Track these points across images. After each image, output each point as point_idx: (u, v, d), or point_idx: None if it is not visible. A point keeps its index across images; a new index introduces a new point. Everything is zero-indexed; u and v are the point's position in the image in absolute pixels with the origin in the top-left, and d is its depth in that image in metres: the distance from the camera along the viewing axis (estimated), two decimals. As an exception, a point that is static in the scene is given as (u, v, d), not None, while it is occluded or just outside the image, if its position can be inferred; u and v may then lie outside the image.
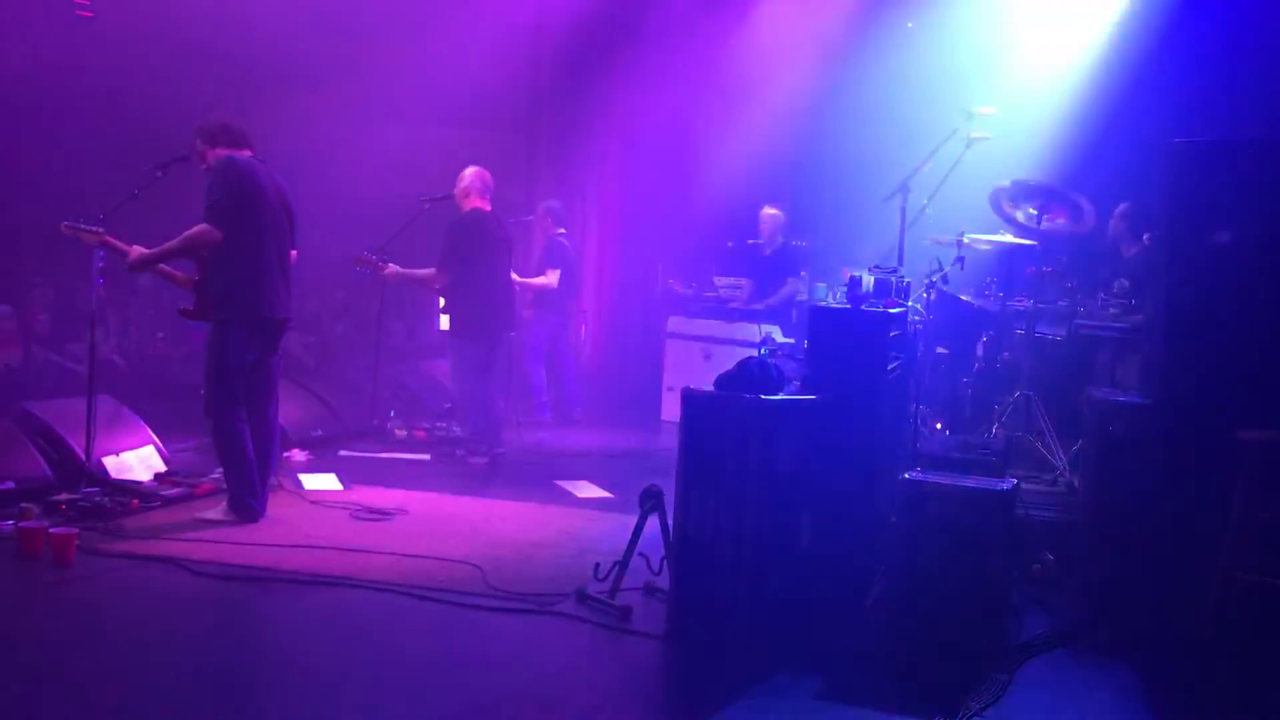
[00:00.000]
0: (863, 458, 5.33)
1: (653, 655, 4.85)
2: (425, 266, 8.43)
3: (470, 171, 8.37)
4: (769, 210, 10.40)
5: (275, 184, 6.39)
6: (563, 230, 10.18)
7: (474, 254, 8.21)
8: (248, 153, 6.33)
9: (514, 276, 9.49)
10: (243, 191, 6.17)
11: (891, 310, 5.61)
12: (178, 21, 10.03)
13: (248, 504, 6.27)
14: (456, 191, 8.37)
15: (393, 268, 8.40)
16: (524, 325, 9.96)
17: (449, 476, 7.85)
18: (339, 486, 7.26)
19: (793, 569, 5.01)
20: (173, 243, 6.20)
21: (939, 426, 7.40)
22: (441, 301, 8.59)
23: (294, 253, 6.57)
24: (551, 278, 9.88)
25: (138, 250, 6.27)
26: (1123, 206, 7.93)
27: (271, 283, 6.29)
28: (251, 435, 6.35)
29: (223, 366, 6.22)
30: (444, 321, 8.65)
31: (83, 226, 6.30)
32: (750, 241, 10.52)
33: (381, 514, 6.59)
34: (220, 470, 6.57)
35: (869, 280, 5.81)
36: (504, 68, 11.12)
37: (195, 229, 6.12)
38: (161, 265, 6.42)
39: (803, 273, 10.31)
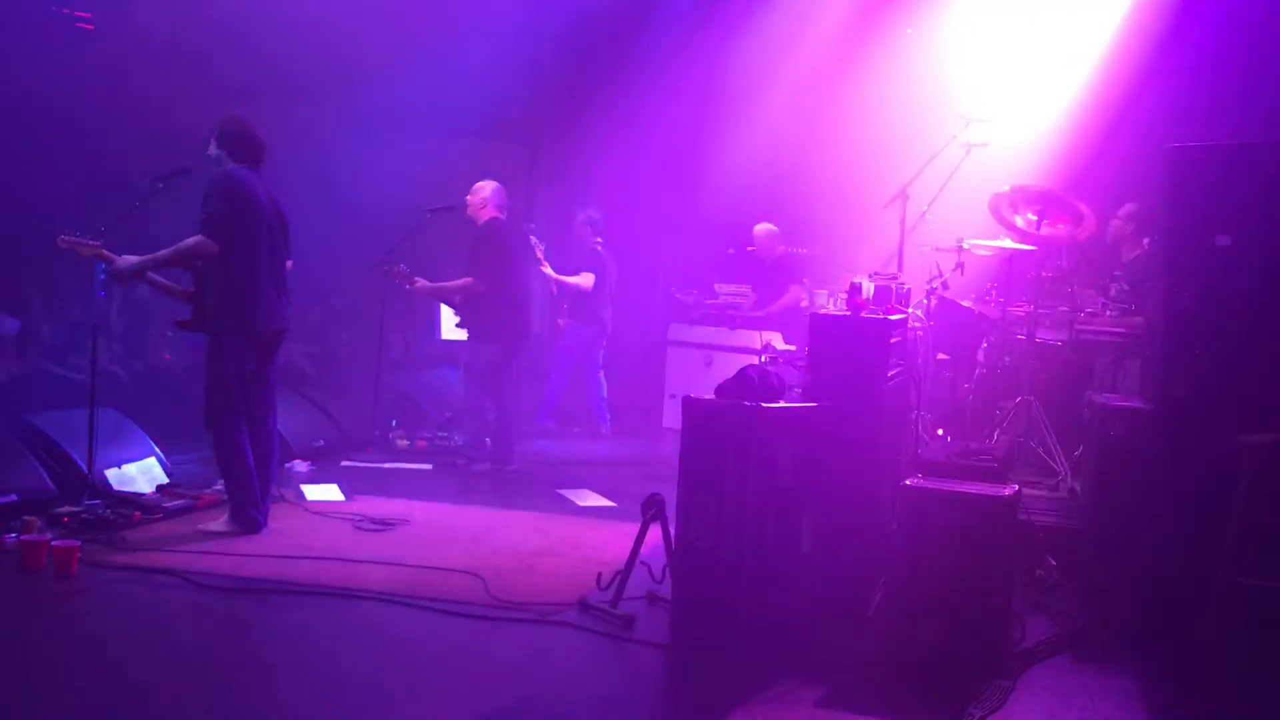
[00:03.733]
0: (864, 465, 5.33)
1: (656, 664, 4.85)
2: (431, 276, 8.48)
3: (490, 185, 8.44)
4: (762, 226, 10.42)
5: (270, 195, 6.40)
6: (600, 240, 10.18)
7: (500, 260, 8.31)
8: (239, 167, 6.32)
9: (550, 273, 9.58)
10: (239, 206, 6.19)
11: (892, 317, 5.62)
12: (178, 33, 10.05)
13: (250, 515, 6.28)
14: (474, 201, 8.43)
15: (422, 282, 8.50)
16: (557, 333, 10.03)
17: (451, 486, 7.86)
18: (341, 497, 7.27)
19: (795, 576, 5.01)
20: (165, 252, 6.20)
21: (940, 433, 7.40)
22: (444, 308, 8.63)
23: (289, 263, 6.59)
24: (586, 279, 9.89)
25: (126, 258, 6.28)
26: (1129, 207, 7.92)
27: (266, 295, 6.30)
28: (251, 446, 6.36)
29: (221, 378, 6.23)
30: (446, 328, 8.68)
31: (80, 240, 6.30)
32: (751, 249, 10.53)
33: (383, 524, 6.59)
34: (222, 482, 6.58)
35: (869, 287, 5.82)
36: (506, 78, 11.14)
37: (190, 240, 6.13)
38: (153, 275, 6.41)
39: (804, 280, 10.32)
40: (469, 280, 8.35)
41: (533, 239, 9.51)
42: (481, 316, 8.36)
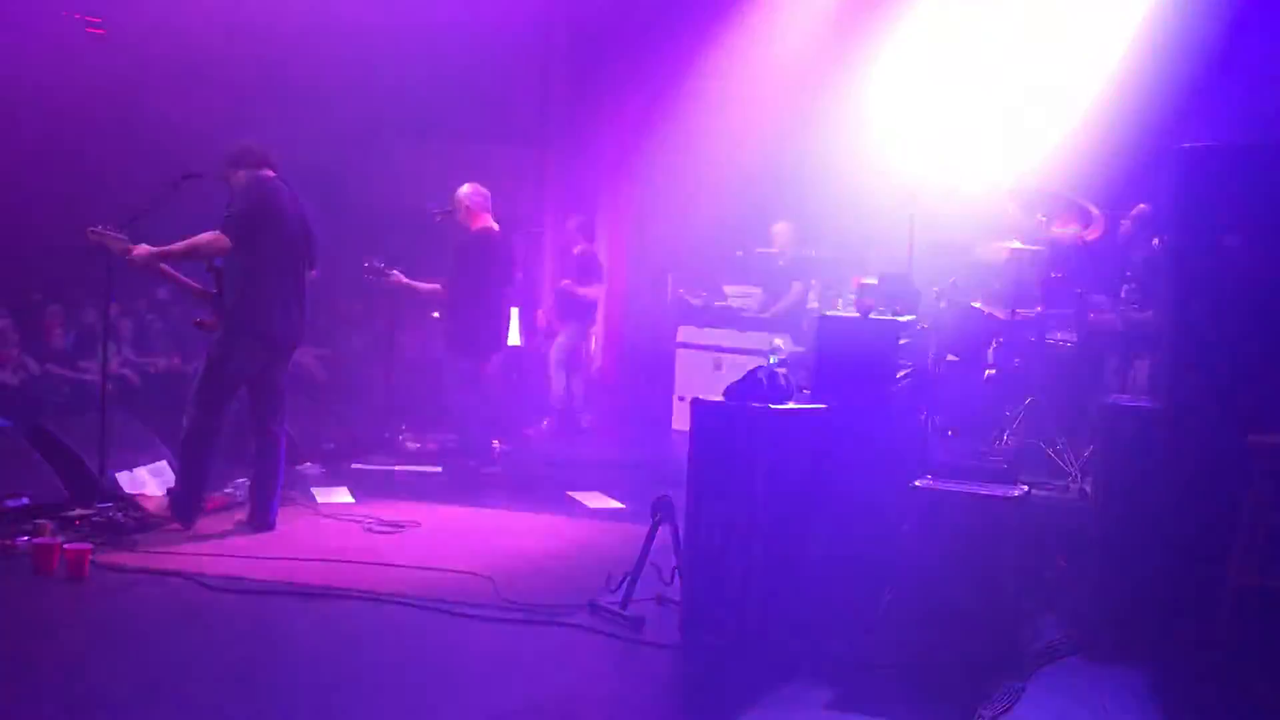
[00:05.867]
0: (873, 466, 5.33)
1: (665, 666, 4.85)
2: (434, 277, 8.48)
3: (467, 190, 8.29)
4: (780, 225, 10.44)
5: (297, 205, 6.45)
6: (585, 244, 10.32)
7: (480, 274, 8.26)
8: (270, 173, 6.38)
9: (569, 285, 9.90)
10: (263, 211, 6.24)
11: (901, 318, 5.62)
12: (188, 37, 10.09)
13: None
14: (459, 212, 8.32)
15: (398, 276, 8.48)
16: (554, 336, 10.10)
17: (460, 488, 7.87)
18: (351, 499, 7.29)
19: (804, 578, 5.01)
20: (178, 245, 6.24)
21: (950, 434, 7.39)
22: (435, 315, 8.67)
23: (314, 272, 6.61)
24: (598, 291, 10.09)
25: (141, 247, 6.30)
26: (1140, 208, 7.87)
27: (282, 304, 6.34)
28: (258, 450, 6.41)
29: (216, 374, 6.29)
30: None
31: (109, 233, 6.30)
32: (760, 250, 10.54)
33: (393, 526, 6.61)
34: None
35: (878, 289, 5.82)
36: (513, 81, 11.17)
37: (205, 235, 6.18)
38: (171, 270, 6.42)
39: (813, 281, 10.31)
40: (436, 287, 8.35)
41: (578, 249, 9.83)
42: (458, 328, 8.35)
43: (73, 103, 10.09)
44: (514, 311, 9.14)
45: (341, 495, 7.36)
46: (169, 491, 6.43)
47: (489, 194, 8.42)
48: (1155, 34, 8.94)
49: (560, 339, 10.20)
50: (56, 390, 9.38)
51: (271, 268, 6.28)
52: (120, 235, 6.31)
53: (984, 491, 4.93)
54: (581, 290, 10.13)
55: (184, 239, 6.23)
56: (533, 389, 10.32)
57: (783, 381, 5.20)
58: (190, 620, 5.09)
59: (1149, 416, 5.67)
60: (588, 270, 10.20)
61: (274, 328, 6.33)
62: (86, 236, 6.29)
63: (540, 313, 10.44)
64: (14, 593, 5.31)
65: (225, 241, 6.15)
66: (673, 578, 5.31)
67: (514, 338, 9.20)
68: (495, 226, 8.41)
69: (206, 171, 6.53)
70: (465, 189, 8.35)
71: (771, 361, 5.36)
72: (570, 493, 7.79)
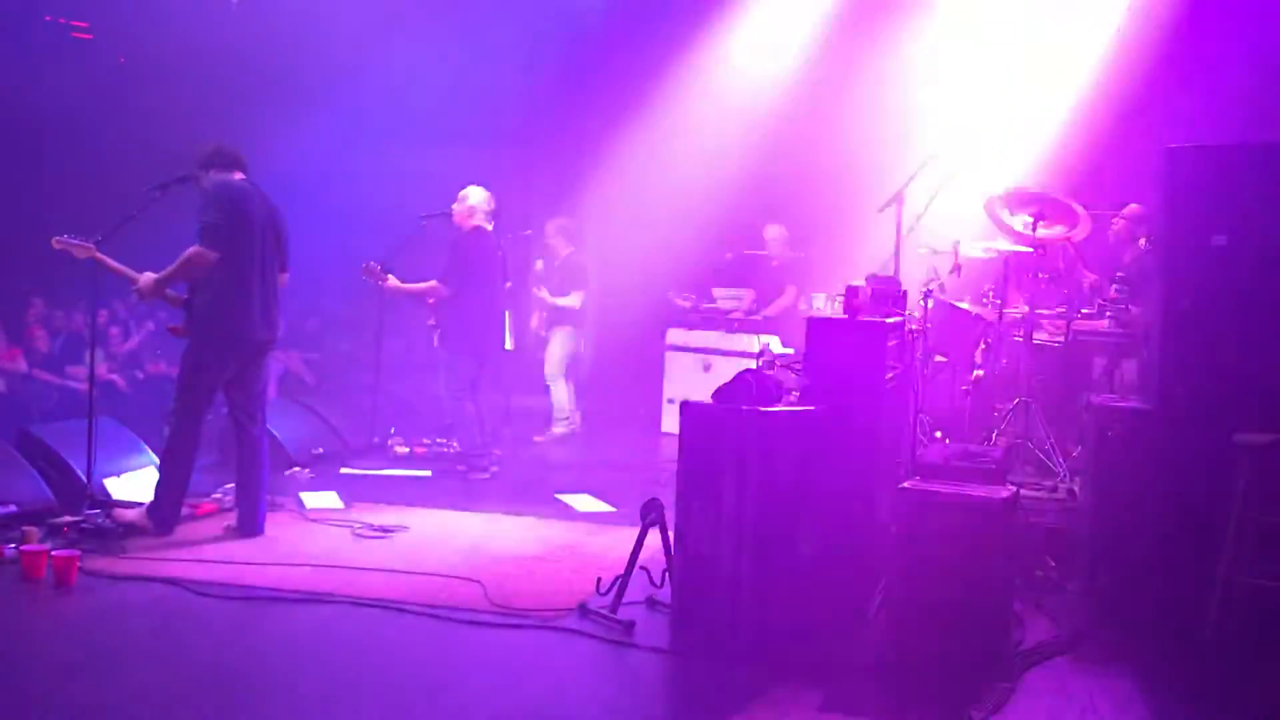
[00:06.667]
0: (862, 468, 5.33)
1: (656, 669, 4.85)
2: (423, 282, 8.49)
3: (472, 194, 8.42)
4: (773, 229, 10.45)
5: (266, 207, 6.45)
6: (573, 248, 10.32)
7: (475, 272, 8.31)
8: (239, 175, 6.39)
9: (546, 298, 9.81)
10: (232, 213, 6.24)
11: (889, 320, 5.63)
12: (175, 41, 10.08)
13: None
14: (462, 209, 8.40)
15: (392, 280, 8.52)
16: (547, 344, 10.09)
17: (450, 493, 7.86)
18: (340, 504, 7.26)
19: (793, 580, 5.01)
20: (172, 267, 6.27)
21: (938, 435, 7.41)
22: (431, 320, 8.66)
23: (284, 275, 6.61)
24: (576, 300, 10.04)
25: (147, 276, 6.33)
26: (1132, 208, 7.86)
27: (250, 304, 6.34)
28: (241, 455, 6.40)
29: (192, 382, 6.30)
30: (435, 338, 8.71)
31: (73, 241, 6.34)
32: (748, 252, 10.54)
33: (382, 531, 6.59)
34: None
35: (866, 290, 5.82)
36: (501, 83, 11.16)
37: (190, 251, 6.19)
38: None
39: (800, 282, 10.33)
40: (435, 284, 8.37)
41: (539, 263, 9.76)
42: (455, 329, 8.39)
43: (60, 107, 10.06)
44: (506, 315, 9.13)
45: (330, 500, 7.34)
46: (151, 502, 6.39)
47: (492, 206, 8.49)
48: (1146, 33, 8.97)
49: (552, 347, 10.17)
50: (43, 396, 9.35)
51: (241, 270, 6.28)
52: (85, 243, 6.34)
53: (973, 492, 4.93)
54: (555, 300, 10.07)
55: (177, 254, 6.23)
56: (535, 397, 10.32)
57: (771, 384, 5.20)
58: (179, 627, 5.08)
59: (1137, 416, 5.69)
60: (571, 277, 10.18)
61: (244, 330, 6.33)
62: (53, 245, 6.30)
63: (536, 316, 10.40)
64: (2, 600, 5.29)
65: (211, 255, 6.16)
66: (663, 580, 5.31)
67: (507, 342, 9.18)
68: (489, 228, 8.48)
69: (192, 174, 6.53)
70: (479, 192, 8.43)
71: (760, 364, 5.36)
72: (560, 496, 7.79)
